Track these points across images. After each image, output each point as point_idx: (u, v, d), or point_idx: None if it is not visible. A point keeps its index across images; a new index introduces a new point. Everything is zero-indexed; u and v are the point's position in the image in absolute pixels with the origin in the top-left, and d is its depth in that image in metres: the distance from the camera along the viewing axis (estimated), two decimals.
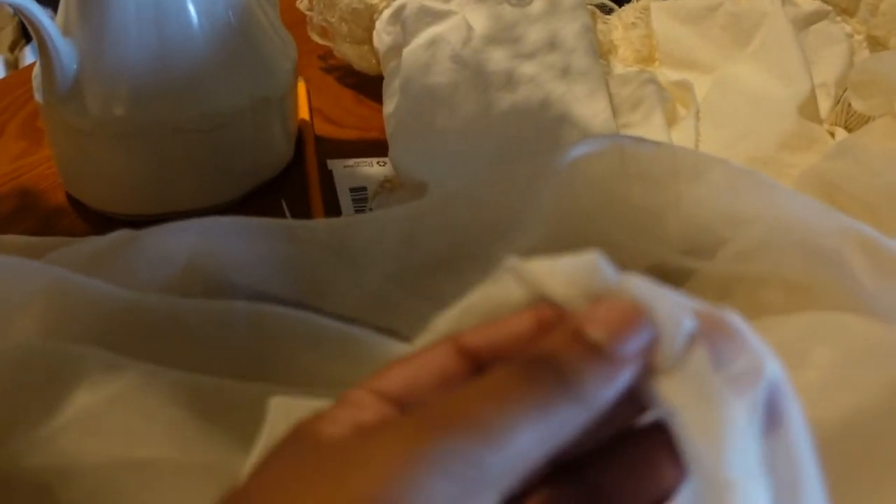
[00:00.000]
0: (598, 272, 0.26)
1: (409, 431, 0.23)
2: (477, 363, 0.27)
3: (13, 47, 0.72)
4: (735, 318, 0.25)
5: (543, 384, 0.23)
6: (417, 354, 0.27)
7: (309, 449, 0.24)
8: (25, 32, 1.09)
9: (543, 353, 0.24)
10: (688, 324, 0.24)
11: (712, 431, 0.23)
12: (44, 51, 0.52)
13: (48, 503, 0.35)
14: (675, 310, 0.25)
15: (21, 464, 0.36)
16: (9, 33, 0.74)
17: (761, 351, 0.25)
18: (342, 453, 0.23)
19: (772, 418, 0.25)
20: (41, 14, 0.51)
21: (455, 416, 0.23)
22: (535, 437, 0.23)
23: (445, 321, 0.28)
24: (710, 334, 0.25)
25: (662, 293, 0.25)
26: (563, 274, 0.26)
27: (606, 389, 0.24)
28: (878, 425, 0.36)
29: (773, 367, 0.25)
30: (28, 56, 1.10)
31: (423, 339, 0.28)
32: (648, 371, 0.24)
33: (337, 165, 0.62)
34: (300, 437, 0.24)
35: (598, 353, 0.24)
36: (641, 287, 0.25)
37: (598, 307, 0.25)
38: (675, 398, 0.24)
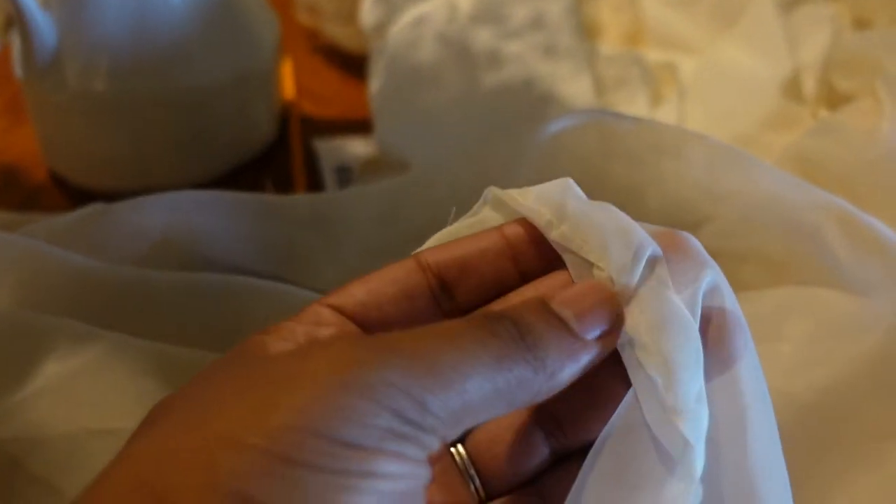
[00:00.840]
0: (571, 191, 0.27)
1: (347, 354, 0.21)
2: (442, 280, 0.26)
3: (5, 29, 0.72)
4: (689, 236, 0.26)
5: (502, 336, 0.23)
6: (379, 271, 0.26)
7: (250, 362, 0.22)
8: None
9: (507, 311, 0.24)
10: (650, 249, 0.25)
11: (667, 359, 0.23)
12: (23, 25, 0.52)
13: (16, 473, 0.34)
14: (639, 235, 0.25)
15: None
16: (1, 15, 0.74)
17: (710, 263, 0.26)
18: (277, 369, 0.21)
19: (724, 353, 0.25)
20: None
21: (400, 346, 0.22)
22: (485, 388, 0.22)
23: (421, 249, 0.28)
24: (667, 253, 0.25)
25: (626, 221, 0.26)
26: (536, 193, 0.27)
27: (568, 363, 0.23)
28: (851, 397, 0.36)
29: (715, 277, 0.25)
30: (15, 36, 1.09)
31: None
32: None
33: (322, 145, 0.62)
34: (248, 348, 0.23)
35: (562, 325, 0.24)
36: (607, 211, 0.26)
37: (569, 287, 0.25)
38: (631, 326, 0.24)
